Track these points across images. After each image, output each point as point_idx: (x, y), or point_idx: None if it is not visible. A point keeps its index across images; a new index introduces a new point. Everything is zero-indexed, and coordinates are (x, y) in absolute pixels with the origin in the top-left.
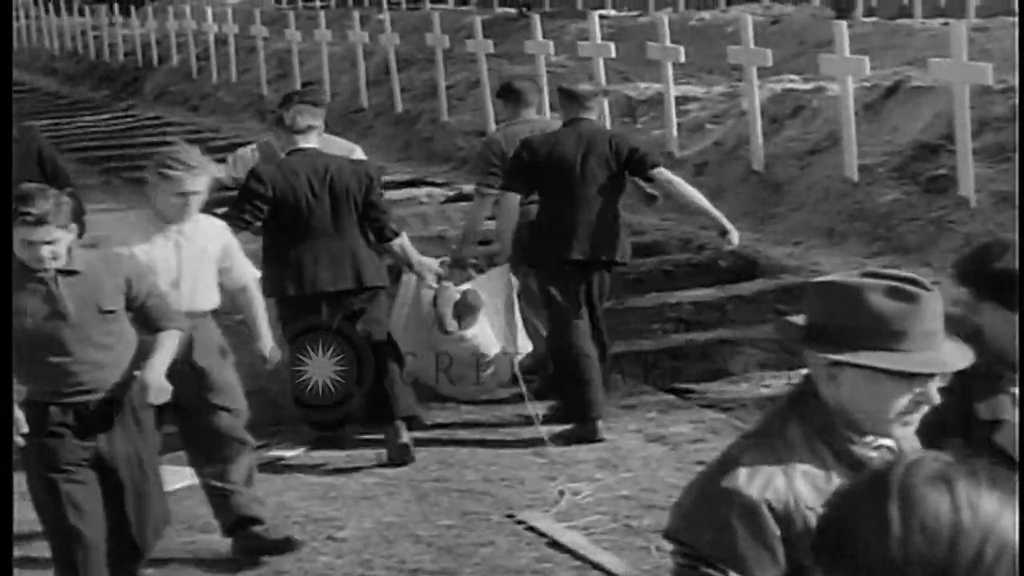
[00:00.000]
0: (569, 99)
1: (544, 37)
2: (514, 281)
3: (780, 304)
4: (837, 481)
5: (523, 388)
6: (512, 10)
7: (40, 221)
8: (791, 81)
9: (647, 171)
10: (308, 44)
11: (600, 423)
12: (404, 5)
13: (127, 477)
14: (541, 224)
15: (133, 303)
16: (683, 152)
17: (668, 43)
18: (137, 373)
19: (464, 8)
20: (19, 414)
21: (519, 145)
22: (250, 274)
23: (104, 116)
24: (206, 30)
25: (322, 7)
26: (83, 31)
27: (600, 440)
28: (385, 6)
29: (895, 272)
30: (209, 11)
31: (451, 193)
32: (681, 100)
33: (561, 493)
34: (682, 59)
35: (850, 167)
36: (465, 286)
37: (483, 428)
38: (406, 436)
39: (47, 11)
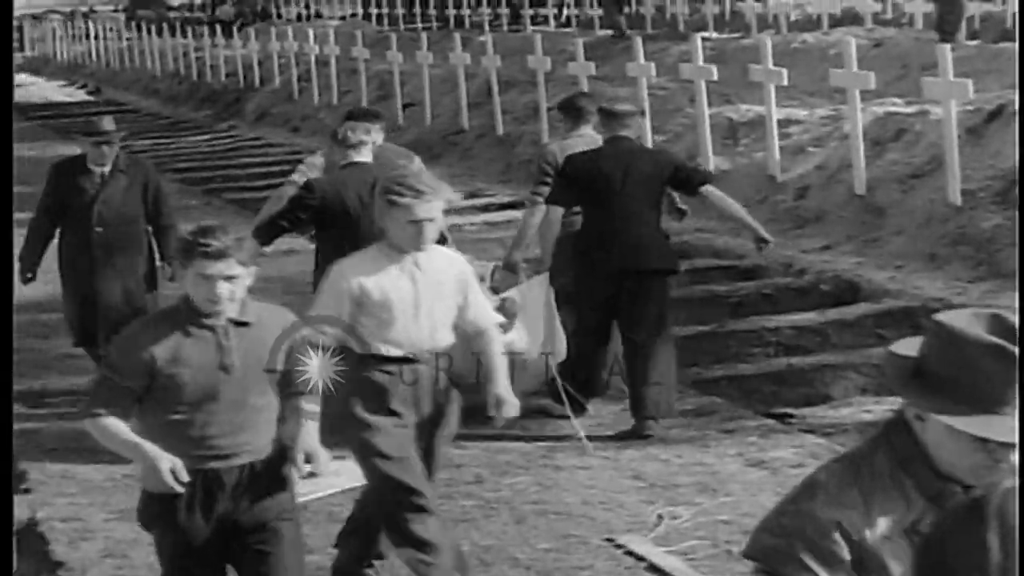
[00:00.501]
0: (609, 118)
1: (646, 59)
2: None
3: (881, 328)
4: (915, 511)
5: (560, 384)
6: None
7: (221, 254)
8: (894, 104)
9: (695, 188)
10: (410, 66)
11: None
12: (506, 27)
13: (267, 544)
14: (582, 235)
15: (288, 363)
16: (785, 175)
17: (770, 65)
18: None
19: (566, 30)
20: (176, 466)
21: (563, 161)
22: (490, 317)
23: (205, 136)
24: (308, 51)
25: (424, 29)
26: (185, 52)
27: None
28: (487, 28)
29: (1014, 323)
30: (311, 33)
31: None
32: (783, 123)
33: (660, 517)
34: (784, 82)
35: (953, 191)
36: (505, 294)
37: (581, 450)
38: None
39: (149, 32)
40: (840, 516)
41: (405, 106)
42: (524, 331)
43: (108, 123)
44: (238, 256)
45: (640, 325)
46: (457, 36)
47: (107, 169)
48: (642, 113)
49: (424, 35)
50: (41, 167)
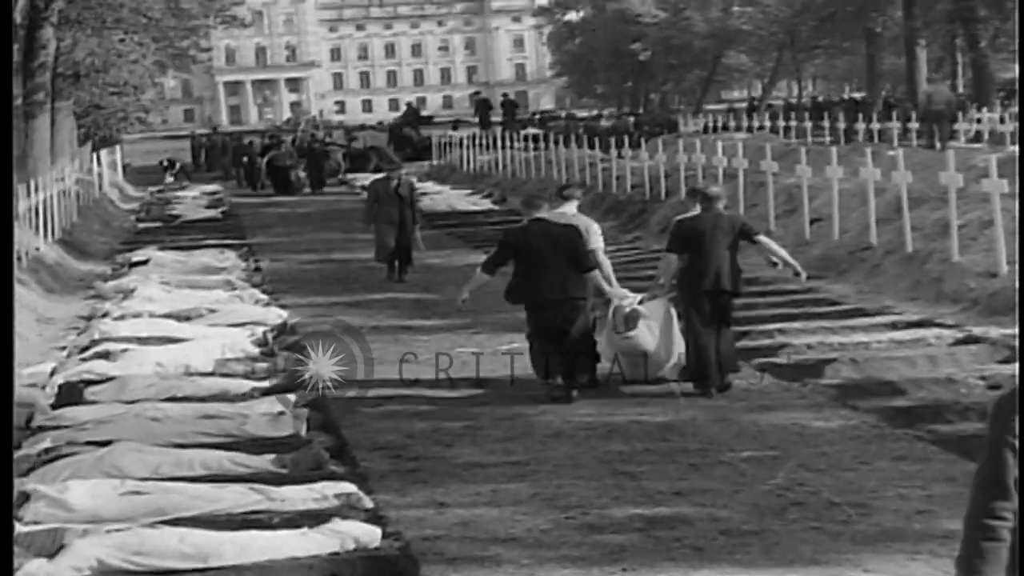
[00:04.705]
0: (704, 197)
1: None
2: (673, 309)
3: None
4: None
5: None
6: None
7: None
8: None
9: (753, 238)
10: (818, 180)
11: (711, 385)
12: (915, 142)
13: None
14: (686, 270)
15: None
16: None
17: None
18: None
19: (975, 146)
20: None
21: (675, 223)
22: None
23: (609, 248)
24: (716, 164)
25: (832, 143)
26: (591, 163)
27: (708, 391)
28: (896, 143)
29: None
30: (719, 145)
31: (960, 335)
32: None
33: None
34: None
35: None
36: (635, 306)
37: None
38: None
39: (556, 143)
40: None
41: (812, 221)
42: (648, 333)
43: None
44: None
45: (717, 321)
46: (868, 151)
47: None
48: (723, 195)
49: (834, 149)
50: (447, 275)
